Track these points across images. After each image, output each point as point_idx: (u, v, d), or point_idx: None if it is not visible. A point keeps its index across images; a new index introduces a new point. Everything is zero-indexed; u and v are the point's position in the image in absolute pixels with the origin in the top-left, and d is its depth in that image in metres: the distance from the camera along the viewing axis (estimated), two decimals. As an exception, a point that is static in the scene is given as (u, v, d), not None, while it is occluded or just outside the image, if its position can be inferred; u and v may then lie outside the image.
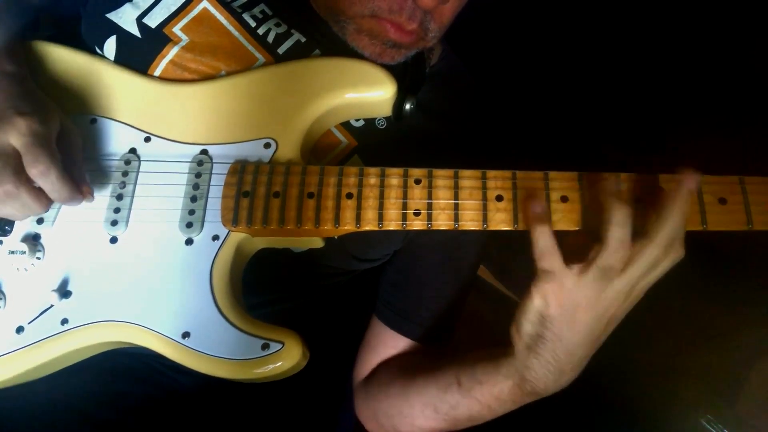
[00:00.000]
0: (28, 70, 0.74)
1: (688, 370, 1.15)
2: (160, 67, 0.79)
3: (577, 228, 0.65)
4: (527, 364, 0.65)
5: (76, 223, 0.71)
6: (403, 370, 0.83)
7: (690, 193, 0.59)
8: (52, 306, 0.68)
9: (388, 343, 0.87)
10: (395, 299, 0.88)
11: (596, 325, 0.62)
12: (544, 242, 0.61)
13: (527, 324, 0.64)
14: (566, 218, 0.65)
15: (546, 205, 0.64)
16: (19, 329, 0.68)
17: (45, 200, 0.66)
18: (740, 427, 1.09)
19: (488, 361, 0.70)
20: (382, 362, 0.88)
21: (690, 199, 0.59)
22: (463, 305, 0.91)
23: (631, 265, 0.59)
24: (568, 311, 0.61)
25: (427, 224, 0.67)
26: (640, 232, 0.59)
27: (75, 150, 0.70)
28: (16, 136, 0.63)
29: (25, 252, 0.69)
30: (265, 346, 0.64)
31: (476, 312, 1.05)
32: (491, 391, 0.69)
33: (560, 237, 0.62)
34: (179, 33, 0.80)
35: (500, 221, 0.66)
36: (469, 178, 0.67)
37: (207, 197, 0.71)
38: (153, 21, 0.80)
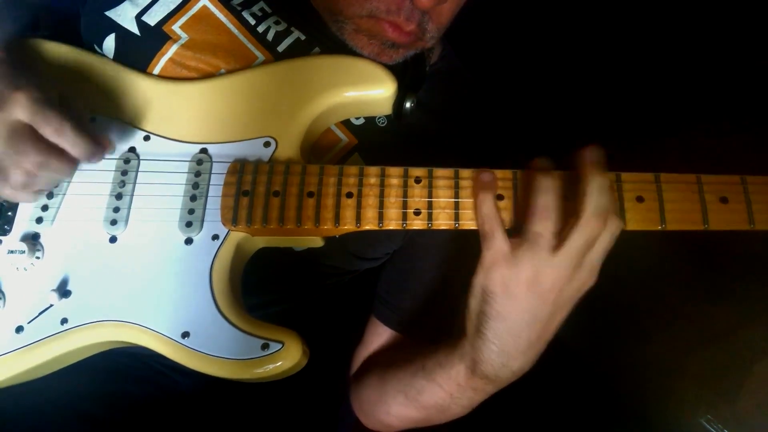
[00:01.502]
0: (24, 58, 0.74)
1: (688, 370, 1.15)
2: (159, 65, 0.79)
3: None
4: (475, 345, 0.65)
5: (75, 223, 0.71)
6: (383, 360, 0.85)
7: (596, 163, 0.59)
8: (51, 305, 0.68)
9: (376, 334, 0.88)
10: (389, 295, 0.88)
11: (541, 307, 0.62)
12: (487, 209, 0.62)
13: (473, 300, 0.65)
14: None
15: (493, 175, 0.65)
16: (19, 329, 0.67)
17: (71, 160, 0.67)
18: (740, 427, 1.09)
19: (448, 345, 0.71)
20: (371, 355, 0.89)
21: (599, 169, 0.59)
22: (461, 305, 0.91)
23: (566, 240, 0.59)
24: (510, 288, 0.61)
25: (428, 223, 0.67)
26: None
27: (80, 113, 0.70)
28: (19, 108, 0.63)
29: (24, 251, 0.68)
30: (265, 346, 0.64)
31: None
32: (450, 374, 0.70)
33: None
34: (178, 31, 0.80)
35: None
36: (469, 178, 0.67)
37: (207, 196, 0.70)
38: (152, 19, 0.80)
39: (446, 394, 0.72)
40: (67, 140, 0.65)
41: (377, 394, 0.81)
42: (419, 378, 0.74)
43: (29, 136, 0.63)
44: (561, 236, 0.59)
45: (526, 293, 0.61)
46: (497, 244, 0.61)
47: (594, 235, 0.59)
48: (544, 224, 0.59)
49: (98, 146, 0.68)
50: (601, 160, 0.60)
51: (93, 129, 0.74)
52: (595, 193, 0.59)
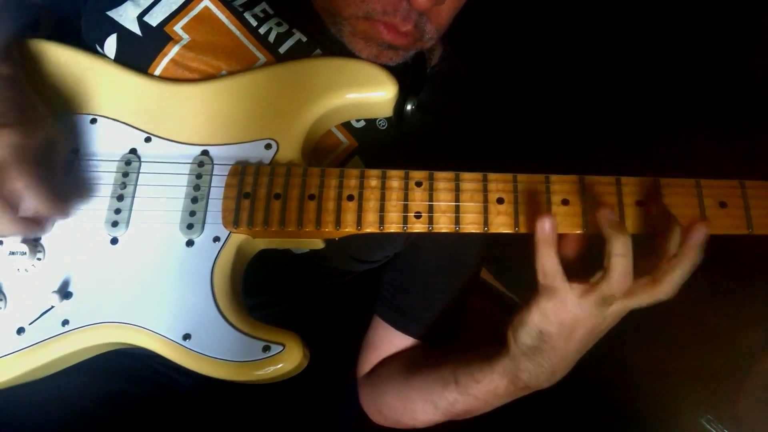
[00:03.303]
0: (24, 71, 0.73)
1: (688, 371, 1.16)
2: (160, 66, 0.79)
3: (579, 231, 0.65)
4: (521, 367, 0.68)
5: (76, 224, 0.71)
6: (405, 367, 0.85)
7: (700, 246, 0.60)
8: (52, 307, 0.68)
9: (391, 342, 0.89)
10: (398, 300, 0.88)
11: (591, 339, 0.65)
12: (550, 264, 0.62)
13: (525, 336, 0.66)
14: (568, 221, 0.65)
15: (553, 223, 0.61)
16: (20, 330, 0.68)
17: (30, 222, 0.65)
18: (740, 427, 1.09)
19: (484, 360, 0.72)
20: (385, 358, 0.89)
21: (698, 253, 0.60)
22: (466, 305, 0.93)
23: (633, 297, 0.61)
24: (567, 329, 0.63)
25: (428, 227, 0.67)
26: (641, 239, 0.60)
27: (57, 164, 0.68)
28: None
29: (25, 253, 0.68)
30: (266, 348, 0.64)
31: (476, 312, 1.05)
32: (488, 388, 0.72)
33: (558, 241, 0.63)
34: (180, 32, 0.80)
35: (501, 224, 0.66)
36: (470, 181, 0.67)
37: (208, 198, 0.71)
38: (154, 19, 0.80)
39: (481, 402, 0.75)
40: (23, 205, 0.63)
41: (401, 401, 0.84)
42: (451, 391, 0.76)
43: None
44: (630, 290, 0.60)
45: (581, 330, 0.64)
46: (560, 296, 0.62)
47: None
48: (621, 289, 0.59)
49: (59, 212, 0.67)
50: (702, 244, 0.60)
51: (93, 131, 0.75)
52: (681, 274, 0.59)
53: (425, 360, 0.83)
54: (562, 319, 0.63)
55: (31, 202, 0.63)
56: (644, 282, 0.60)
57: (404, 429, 0.88)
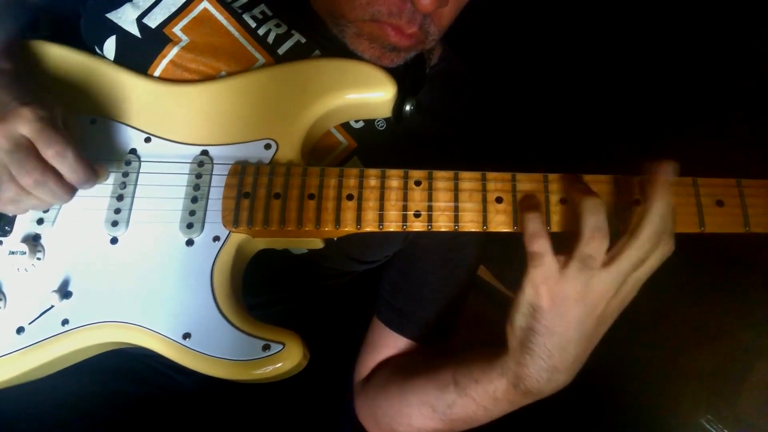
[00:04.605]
0: (26, 68, 0.74)
1: (688, 370, 1.16)
2: (160, 68, 0.79)
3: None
4: (520, 361, 0.65)
5: (76, 224, 0.71)
6: (402, 369, 0.83)
7: (669, 183, 0.59)
8: (52, 306, 0.68)
9: (388, 344, 0.87)
10: (396, 300, 0.88)
11: (587, 321, 0.62)
12: (534, 226, 0.62)
13: (519, 317, 0.64)
14: (566, 220, 0.65)
15: (538, 200, 0.65)
16: (20, 330, 0.68)
17: (68, 186, 0.67)
18: (740, 427, 1.09)
19: (484, 360, 0.70)
20: (382, 362, 0.88)
21: (671, 189, 0.59)
22: (464, 305, 0.92)
23: (618, 259, 0.59)
24: (558, 303, 0.61)
25: (428, 225, 0.67)
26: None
27: (76, 137, 0.70)
28: (24, 124, 0.63)
29: (25, 252, 0.69)
30: (265, 347, 0.64)
31: (476, 312, 1.05)
32: (486, 390, 0.69)
33: (556, 239, 0.62)
34: (179, 33, 0.80)
35: (500, 223, 0.66)
36: (469, 180, 0.67)
37: (207, 198, 0.71)
38: (153, 21, 0.80)
39: (480, 407, 0.71)
40: (67, 166, 0.65)
41: (397, 405, 0.80)
42: (450, 393, 0.73)
43: (32, 153, 0.63)
44: (611, 253, 0.60)
45: (575, 309, 0.61)
46: (546, 262, 0.61)
47: (647, 255, 0.59)
48: (595, 246, 0.59)
49: (94, 174, 0.69)
50: (671, 182, 0.59)
51: (93, 132, 0.75)
52: (655, 216, 0.59)
53: (423, 363, 0.81)
54: (553, 292, 0.61)
55: (71, 165, 0.65)
56: (624, 239, 0.59)
57: None
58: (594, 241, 0.59)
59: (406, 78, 0.82)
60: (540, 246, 0.61)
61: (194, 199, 0.71)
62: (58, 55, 0.79)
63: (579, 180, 0.65)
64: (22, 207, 0.68)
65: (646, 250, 0.59)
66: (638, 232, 0.59)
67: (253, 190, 0.69)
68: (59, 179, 0.66)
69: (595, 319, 0.62)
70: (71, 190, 0.68)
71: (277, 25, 0.83)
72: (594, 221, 0.59)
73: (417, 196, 0.67)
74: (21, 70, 0.73)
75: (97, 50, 0.81)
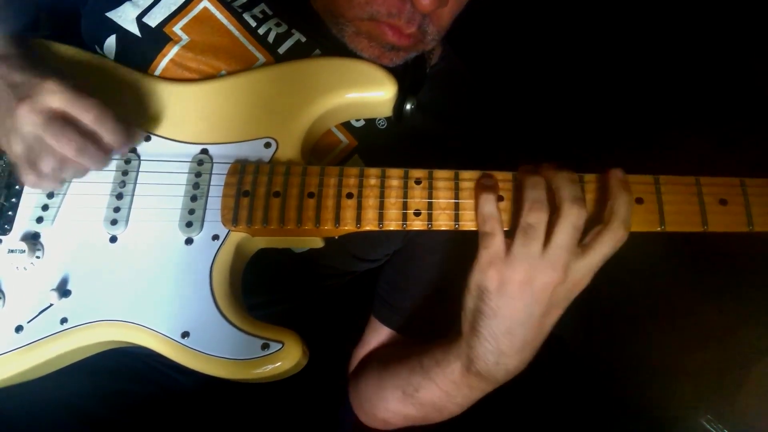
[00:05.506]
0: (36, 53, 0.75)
1: (688, 370, 1.15)
2: (160, 67, 0.79)
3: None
4: (470, 343, 0.66)
5: (75, 222, 0.71)
6: (384, 357, 0.85)
7: (623, 180, 0.63)
8: (51, 305, 0.68)
9: (376, 336, 0.89)
10: (391, 296, 0.88)
11: (535, 306, 0.63)
12: (488, 209, 0.63)
13: (469, 299, 0.66)
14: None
15: (494, 178, 0.66)
16: (19, 328, 0.68)
17: (108, 149, 0.68)
18: (740, 427, 1.09)
19: (446, 343, 0.72)
20: (369, 353, 0.89)
21: (627, 186, 0.63)
22: (458, 303, 0.91)
23: (554, 236, 0.60)
24: (505, 286, 0.62)
25: (428, 224, 0.67)
26: None
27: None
28: (52, 96, 0.63)
29: (24, 251, 0.68)
30: (264, 346, 0.64)
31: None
32: (445, 372, 0.71)
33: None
34: (179, 32, 0.80)
35: (500, 221, 0.66)
36: (469, 179, 0.67)
37: (207, 197, 0.71)
38: (153, 20, 0.80)
39: (442, 392, 0.73)
40: (107, 128, 0.66)
41: (375, 390, 0.82)
42: (417, 375, 0.75)
43: (67, 122, 0.64)
44: (549, 233, 0.61)
45: (520, 291, 0.62)
46: (495, 243, 0.62)
47: (577, 228, 0.61)
48: (535, 216, 0.61)
49: (133, 135, 0.70)
50: (620, 178, 0.64)
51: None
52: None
53: (402, 350, 0.83)
54: (501, 273, 0.62)
55: (111, 127, 0.66)
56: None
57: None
58: (533, 211, 0.61)
59: (407, 77, 0.82)
60: (491, 227, 0.63)
61: (194, 198, 0.71)
62: (58, 54, 0.79)
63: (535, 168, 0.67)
64: (61, 177, 0.68)
65: (575, 226, 0.61)
66: (561, 204, 0.61)
67: (253, 188, 0.69)
68: (99, 143, 0.66)
69: (543, 305, 0.63)
70: (110, 153, 0.69)
71: (278, 25, 0.83)
72: (533, 194, 0.62)
73: (417, 194, 0.67)
74: (29, 53, 0.73)
75: (98, 49, 0.81)
